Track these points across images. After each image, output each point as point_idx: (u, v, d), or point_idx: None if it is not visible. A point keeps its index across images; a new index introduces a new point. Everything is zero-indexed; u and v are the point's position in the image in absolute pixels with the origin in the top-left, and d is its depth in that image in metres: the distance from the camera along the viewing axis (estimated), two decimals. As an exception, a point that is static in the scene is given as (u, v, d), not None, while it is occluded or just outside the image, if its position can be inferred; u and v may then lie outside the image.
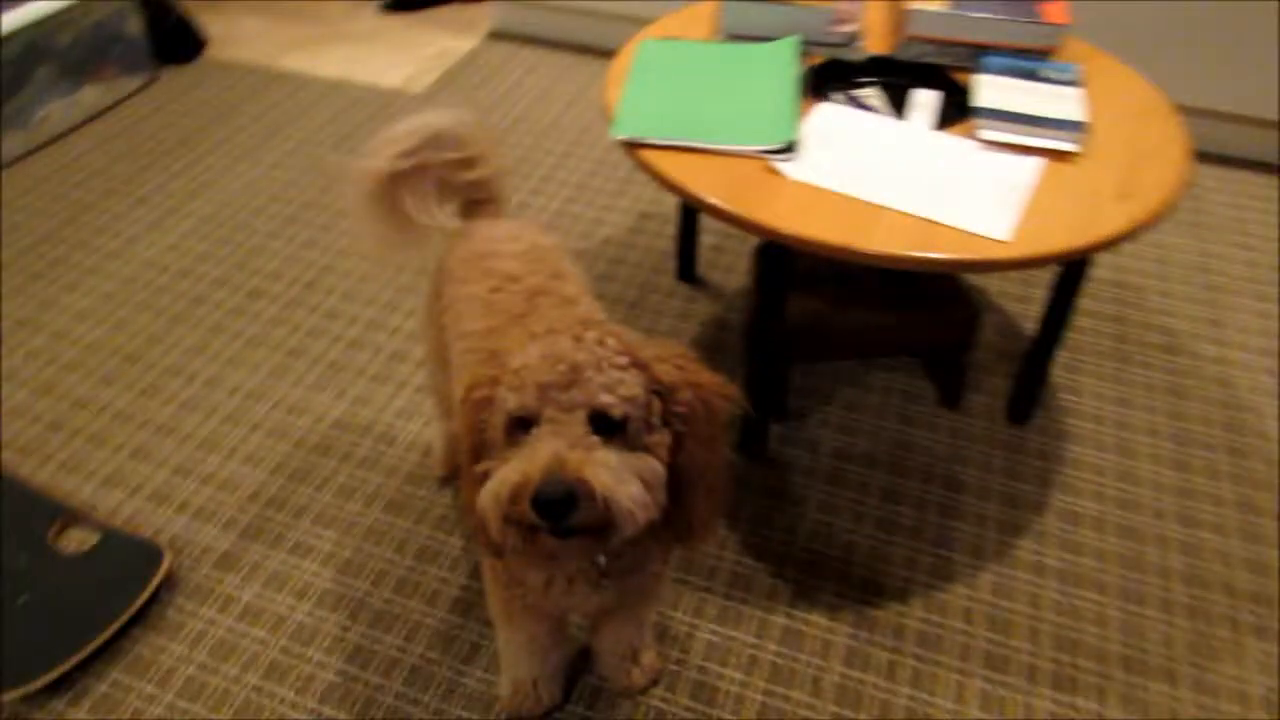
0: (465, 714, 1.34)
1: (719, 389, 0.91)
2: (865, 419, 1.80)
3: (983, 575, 1.54)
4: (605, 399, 0.82)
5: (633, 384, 0.84)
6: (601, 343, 0.85)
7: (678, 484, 0.89)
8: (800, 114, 1.46)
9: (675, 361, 0.89)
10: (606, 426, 0.83)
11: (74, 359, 1.89)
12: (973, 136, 1.43)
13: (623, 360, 0.85)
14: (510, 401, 0.84)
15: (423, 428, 1.76)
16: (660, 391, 0.87)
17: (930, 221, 1.27)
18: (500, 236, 1.28)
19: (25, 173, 2.42)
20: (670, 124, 1.44)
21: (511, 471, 0.81)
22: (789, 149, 1.39)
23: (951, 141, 1.43)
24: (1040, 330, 1.68)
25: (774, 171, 1.37)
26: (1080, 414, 1.83)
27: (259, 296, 2.06)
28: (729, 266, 2.17)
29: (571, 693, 1.37)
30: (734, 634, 1.45)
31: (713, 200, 1.32)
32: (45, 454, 1.70)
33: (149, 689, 1.36)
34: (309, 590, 1.49)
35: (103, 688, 1.37)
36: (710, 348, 1.95)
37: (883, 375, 1.90)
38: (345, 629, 1.44)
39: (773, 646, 1.43)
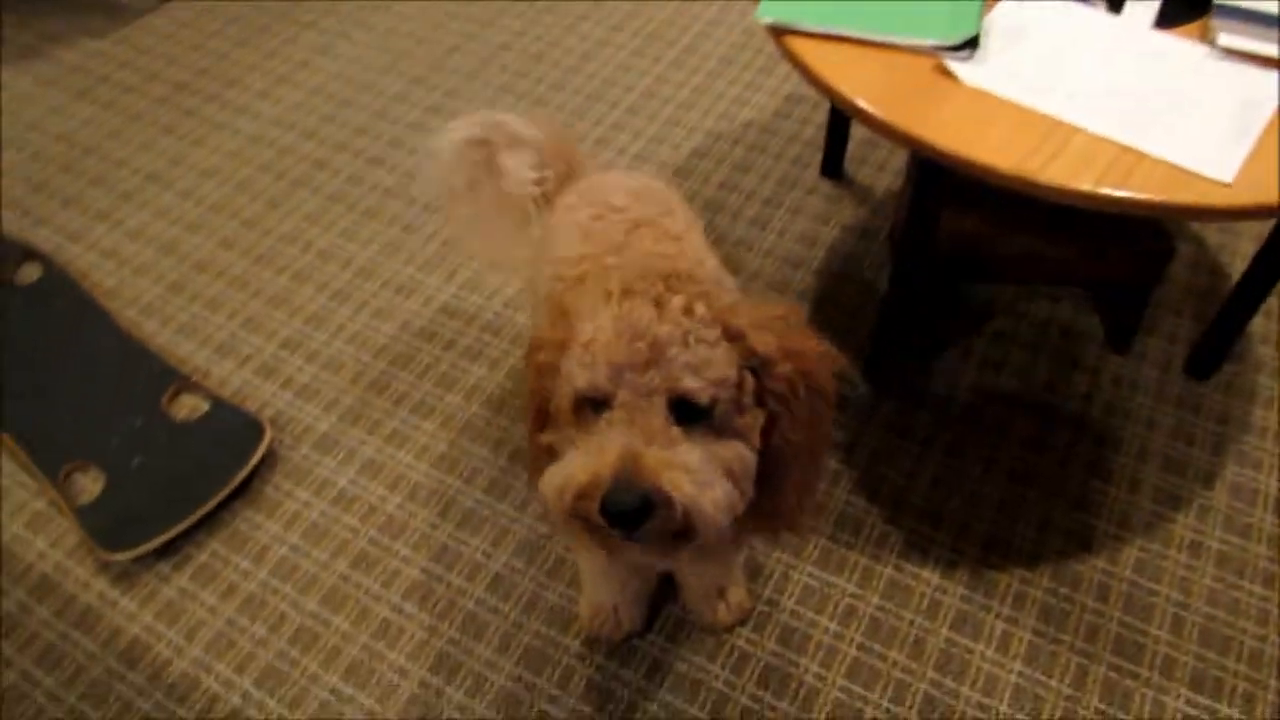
0: (544, 629, 1.30)
1: (824, 361, 0.79)
2: (1015, 353, 1.60)
3: (1126, 549, 1.36)
4: (690, 384, 0.72)
5: (723, 363, 0.74)
6: (688, 311, 0.74)
7: (768, 467, 0.79)
8: (986, 4, 1.22)
9: (776, 327, 0.78)
10: (690, 413, 0.73)
11: (198, 219, 1.89)
12: (1206, 42, 1.15)
13: (712, 333, 0.74)
14: (579, 379, 0.74)
15: (529, 320, 1.68)
16: (754, 367, 0.76)
17: (1132, 150, 1.03)
18: (614, 176, 1.17)
19: (168, 16, 2.39)
20: (827, 8, 1.23)
21: (579, 469, 0.72)
22: (969, 46, 1.16)
23: (1176, 46, 1.16)
24: (1247, 272, 1.42)
25: (946, 73, 1.15)
26: (1276, 373, 1.56)
27: (378, 164, 1.99)
28: (880, 164, 1.94)
29: (654, 621, 1.30)
30: (834, 580, 1.34)
31: (864, 104, 1.12)
32: (165, 315, 1.72)
33: (245, 564, 1.38)
34: (401, 482, 1.46)
35: (203, 557, 1.40)
36: (850, 256, 1.77)
37: (1043, 305, 1.67)
38: (434, 526, 1.41)
39: (875, 599, 1.32)
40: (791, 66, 1.25)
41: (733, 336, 0.76)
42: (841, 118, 1.85)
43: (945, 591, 1.32)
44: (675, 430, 0.72)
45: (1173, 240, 1.48)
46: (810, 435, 0.80)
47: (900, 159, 1.95)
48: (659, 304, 0.75)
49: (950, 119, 1.09)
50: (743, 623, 1.30)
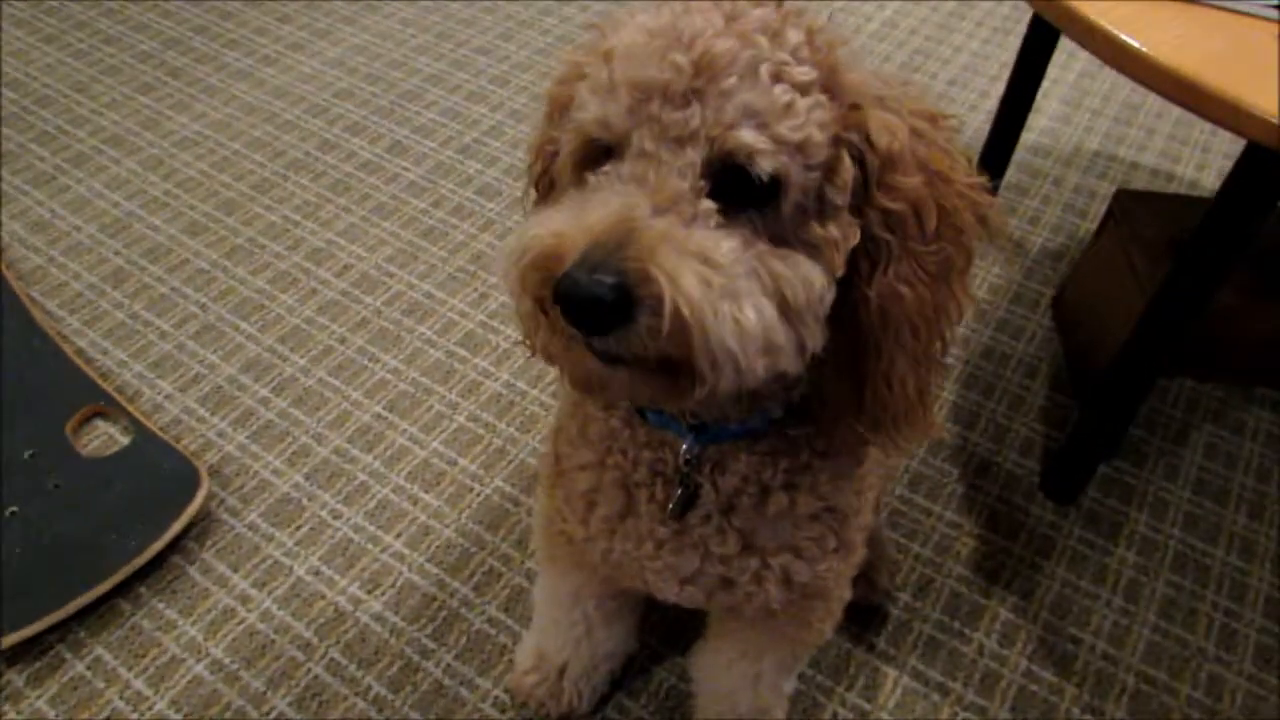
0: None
1: (974, 196, 0.52)
2: (1238, 478, 1.17)
3: None
4: (748, 137, 0.46)
5: (810, 120, 0.48)
6: (774, 32, 0.49)
7: (861, 335, 0.53)
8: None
9: (913, 120, 0.51)
10: (741, 190, 0.48)
11: (161, 196, 1.47)
12: None
13: (806, 73, 0.48)
14: (587, 109, 0.50)
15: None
16: (861, 156, 0.50)
17: None
18: None
19: (170, -32, 2.01)
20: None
21: (543, 227, 0.48)
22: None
23: None
24: None
25: (1307, 40, 0.75)
26: None
27: (402, 153, 1.57)
28: (1032, 215, 1.54)
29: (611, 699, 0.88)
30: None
31: (1197, 76, 0.71)
32: (95, 312, 1.29)
33: (138, 684, 0.93)
34: (385, 580, 1.01)
35: (78, 666, 0.94)
36: (1003, 325, 1.34)
37: (1264, 415, 1.24)
38: (425, 653, 0.95)
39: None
40: (1045, 14, 0.84)
41: (833, 93, 0.49)
42: (997, 156, 1.45)
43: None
44: (706, 205, 0.47)
45: None
46: (934, 293, 0.52)
47: (1058, 212, 1.54)
48: (728, 15, 0.49)
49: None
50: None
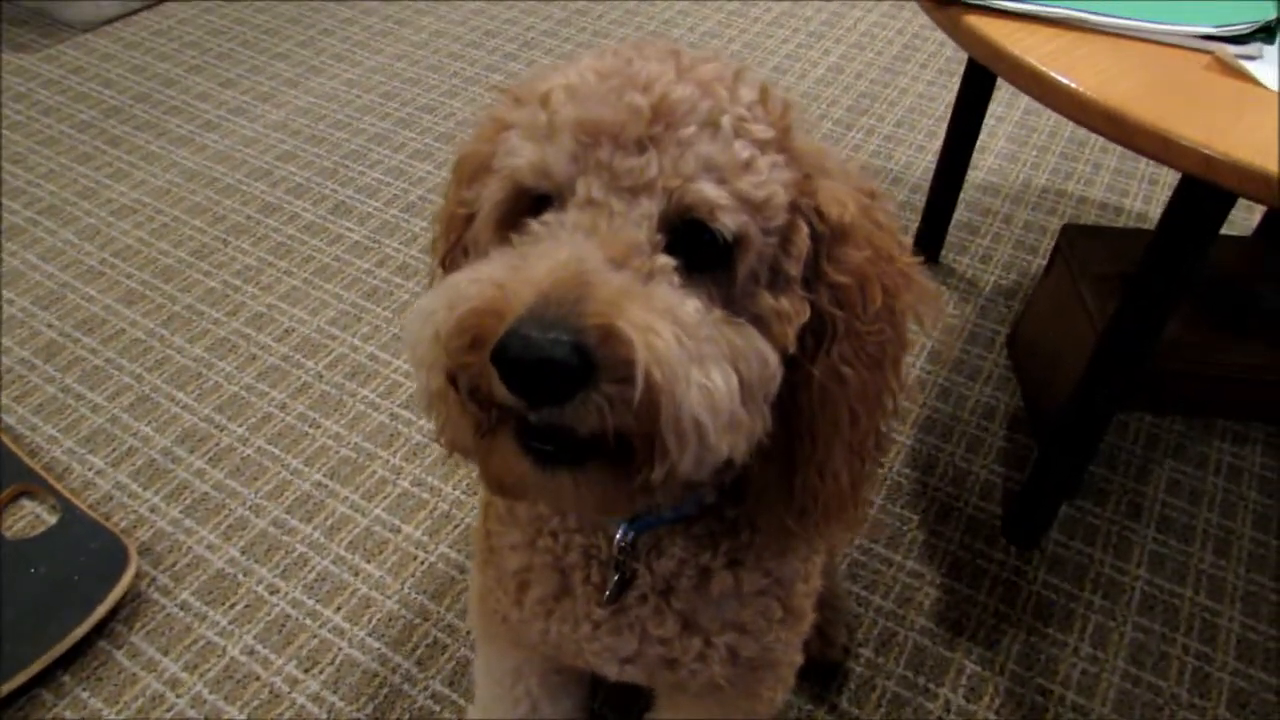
0: None
1: (914, 280, 0.51)
2: (1203, 515, 1.14)
3: None
4: (710, 190, 0.43)
5: (771, 179, 0.45)
6: (728, 83, 0.46)
7: (799, 416, 0.49)
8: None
9: (858, 199, 0.48)
10: (697, 249, 0.43)
11: (97, 265, 1.43)
12: None
13: (765, 131, 0.45)
14: (521, 154, 0.45)
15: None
16: (814, 229, 0.47)
17: None
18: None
19: (114, 36, 1.99)
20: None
21: (473, 282, 0.41)
22: (1261, 37, 0.75)
23: None
24: None
25: (1230, 72, 0.74)
26: None
27: (346, 214, 1.55)
28: (983, 254, 1.53)
29: None
30: None
31: (1124, 109, 0.70)
32: (25, 388, 1.24)
33: (61, 780, 0.87)
34: (324, 658, 0.96)
35: (-7, 766, 0.88)
36: (958, 366, 1.33)
37: (1225, 446, 1.23)
38: (364, 736, 0.90)
39: None
40: (972, 53, 0.84)
41: (789, 155, 0.46)
42: (945, 194, 1.45)
43: None
44: (665, 260, 0.42)
45: None
46: (873, 379, 0.49)
47: (1008, 249, 1.54)
48: (682, 61, 0.46)
49: (1261, 135, 0.68)
50: None
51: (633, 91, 0.43)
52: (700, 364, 0.40)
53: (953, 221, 1.54)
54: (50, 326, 1.33)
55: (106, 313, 1.35)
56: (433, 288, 0.48)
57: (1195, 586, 1.06)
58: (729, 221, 0.43)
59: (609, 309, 0.38)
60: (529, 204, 0.46)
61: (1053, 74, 0.76)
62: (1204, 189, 0.74)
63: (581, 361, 0.37)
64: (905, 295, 0.50)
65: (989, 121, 1.82)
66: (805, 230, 0.46)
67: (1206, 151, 0.67)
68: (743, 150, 0.44)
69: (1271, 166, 0.64)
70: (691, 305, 0.42)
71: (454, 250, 0.54)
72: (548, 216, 0.44)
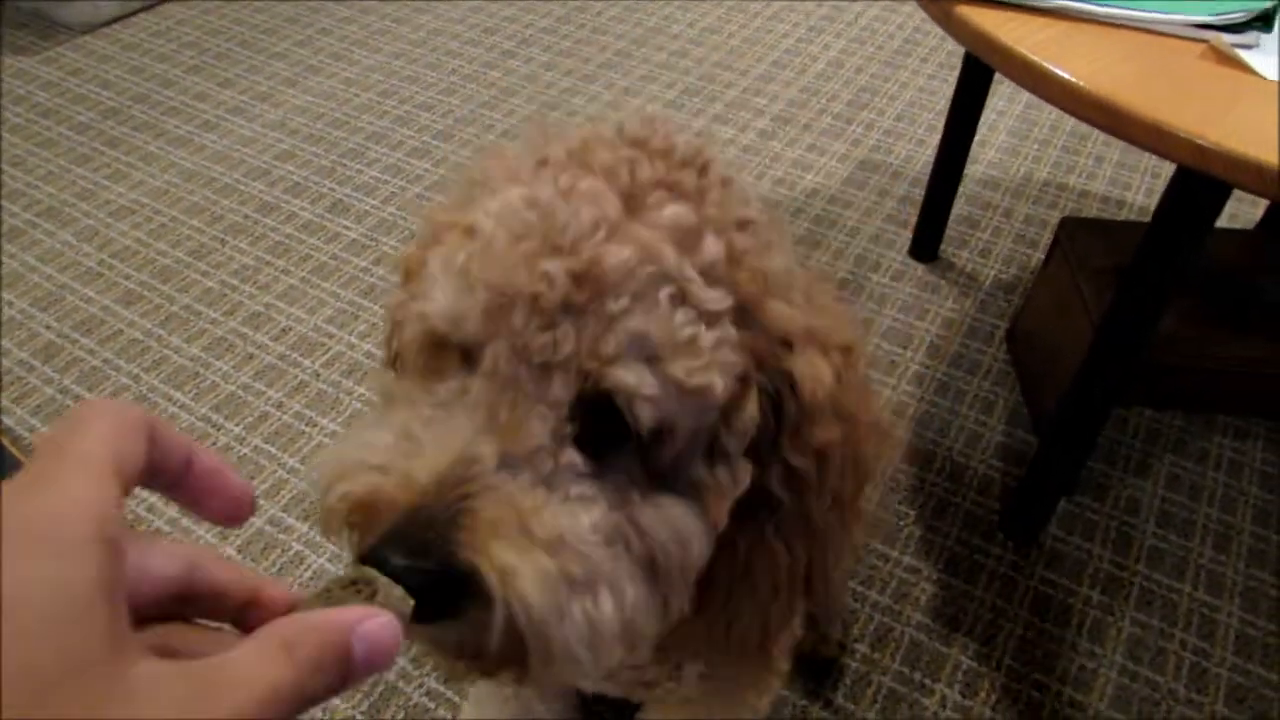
0: None
1: (881, 424, 0.48)
2: (1203, 510, 1.14)
3: None
4: (631, 377, 0.38)
5: (712, 361, 0.39)
6: (685, 242, 0.39)
7: (718, 570, 0.45)
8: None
9: (836, 364, 0.44)
10: (616, 430, 0.39)
11: (96, 267, 1.43)
12: None
13: (718, 299, 0.40)
14: (432, 297, 0.41)
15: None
16: (777, 399, 0.42)
17: None
18: None
19: (112, 38, 1.99)
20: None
21: (366, 454, 0.38)
22: (1259, 26, 0.74)
23: None
24: None
25: (1226, 61, 0.73)
26: None
27: (343, 212, 1.55)
28: (983, 247, 1.52)
29: None
30: None
31: (1118, 100, 0.69)
32: (23, 389, 1.24)
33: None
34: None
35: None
36: (957, 360, 1.32)
37: (1226, 442, 1.22)
38: (359, 735, 0.90)
39: None
40: (965, 44, 0.83)
41: (762, 329, 0.41)
42: (943, 188, 1.44)
43: None
44: (570, 457, 0.38)
45: None
46: (810, 553, 0.46)
47: (1009, 243, 1.53)
48: (630, 199, 0.40)
49: (1254, 124, 0.67)
50: None
51: (554, 252, 0.38)
52: (587, 591, 0.37)
53: (953, 216, 1.53)
54: (49, 328, 1.33)
55: (105, 313, 1.35)
56: (346, 434, 0.44)
57: (1194, 582, 1.05)
58: (647, 414, 0.38)
59: (480, 541, 0.35)
60: (451, 346, 0.42)
61: (1045, 64, 0.75)
62: (1198, 179, 0.73)
63: (445, 589, 0.34)
64: (870, 448, 0.47)
65: (990, 116, 1.81)
66: (753, 410, 0.42)
67: (1199, 141, 0.66)
68: (684, 326, 0.38)
69: (1265, 156, 0.63)
70: (588, 520, 0.38)
71: (393, 359, 0.51)
72: (451, 384, 0.40)
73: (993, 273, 1.48)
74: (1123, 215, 1.61)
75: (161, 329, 1.33)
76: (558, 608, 0.36)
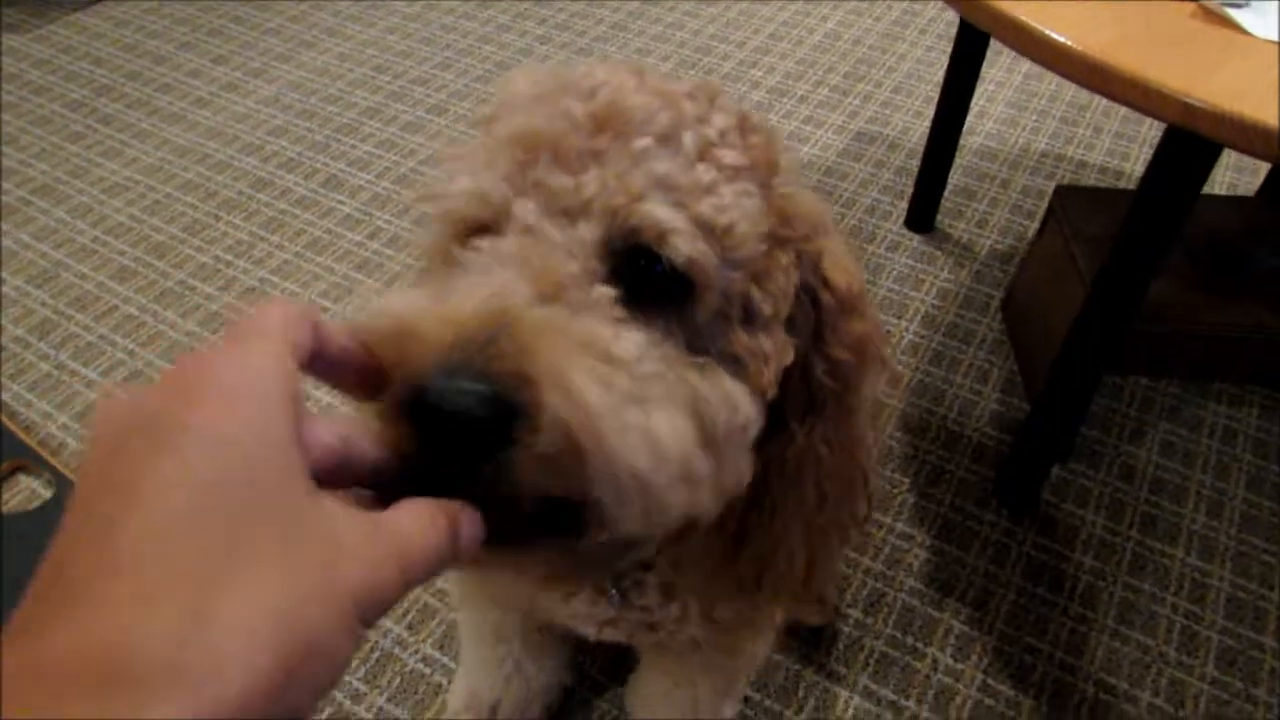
0: None
1: (890, 361, 0.47)
2: (1196, 477, 1.14)
3: None
4: (660, 212, 0.37)
5: (736, 205, 0.39)
6: (699, 100, 0.41)
7: (763, 484, 0.44)
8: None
9: (858, 274, 0.45)
10: (648, 281, 0.38)
11: (90, 243, 1.43)
12: None
13: (738, 159, 0.40)
14: (458, 182, 0.40)
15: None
16: (814, 293, 0.43)
17: None
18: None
19: (105, 15, 1.98)
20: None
21: (396, 306, 0.35)
22: (1245, -18, 0.74)
23: None
24: None
25: (1215, 20, 0.73)
26: None
27: (336, 186, 1.54)
28: (980, 218, 1.52)
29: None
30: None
31: (1105, 59, 0.69)
32: (20, 364, 1.24)
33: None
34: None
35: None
36: (952, 330, 1.32)
37: (1220, 409, 1.22)
38: (358, 697, 0.91)
39: None
40: (954, 7, 0.83)
41: (782, 203, 0.41)
42: (939, 159, 1.43)
43: (1148, 847, 0.83)
44: (602, 291, 0.37)
45: None
46: (849, 461, 0.46)
47: (1005, 213, 1.53)
48: (645, 79, 0.41)
49: (1242, 82, 0.66)
50: None
51: (581, 100, 0.38)
52: (639, 406, 0.34)
53: (950, 187, 1.53)
54: (44, 304, 1.33)
55: (99, 290, 1.35)
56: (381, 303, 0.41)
57: (1186, 547, 1.06)
58: (681, 247, 0.37)
59: (524, 350, 0.32)
60: (469, 230, 0.41)
61: (1035, 25, 0.75)
62: (1186, 139, 0.73)
63: (495, 412, 0.31)
64: (881, 364, 0.47)
65: (989, 87, 1.80)
66: (789, 275, 0.42)
67: (1186, 100, 0.66)
68: (706, 173, 0.39)
69: (1252, 113, 0.63)
70: (631, 339, 0.36)
71: None
72: (480, 243, 0.38)
73: (989, 243, 1.48)
74: (1121, 185, 1.61)
75: (156, 304, 1.33)
76: (615, 414, 0.33)
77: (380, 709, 0.90)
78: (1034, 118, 1.75)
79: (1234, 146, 0.66)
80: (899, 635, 0.96)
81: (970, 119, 1.69)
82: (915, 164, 1.50)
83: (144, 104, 1.73)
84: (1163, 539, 1.06)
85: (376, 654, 0.94)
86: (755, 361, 0.41)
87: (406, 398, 0.32)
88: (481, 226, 0.40)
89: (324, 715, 0.90)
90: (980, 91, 1.77)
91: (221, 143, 1.64)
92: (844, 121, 1.72)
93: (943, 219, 1.51)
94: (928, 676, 0.93)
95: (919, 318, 1.34)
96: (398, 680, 0.92)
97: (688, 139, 0.39)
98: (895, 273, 1.41)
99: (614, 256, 0.38)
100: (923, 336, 1.31)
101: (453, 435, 0.31)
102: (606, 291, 0.37)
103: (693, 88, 0.42)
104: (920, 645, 0.96)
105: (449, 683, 0.91)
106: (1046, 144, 1.69)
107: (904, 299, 1.37)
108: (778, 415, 0.44)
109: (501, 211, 0.39)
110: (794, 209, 0.42)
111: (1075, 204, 1.22)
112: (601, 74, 0.40)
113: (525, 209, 0.38)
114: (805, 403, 0.44)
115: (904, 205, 1.52)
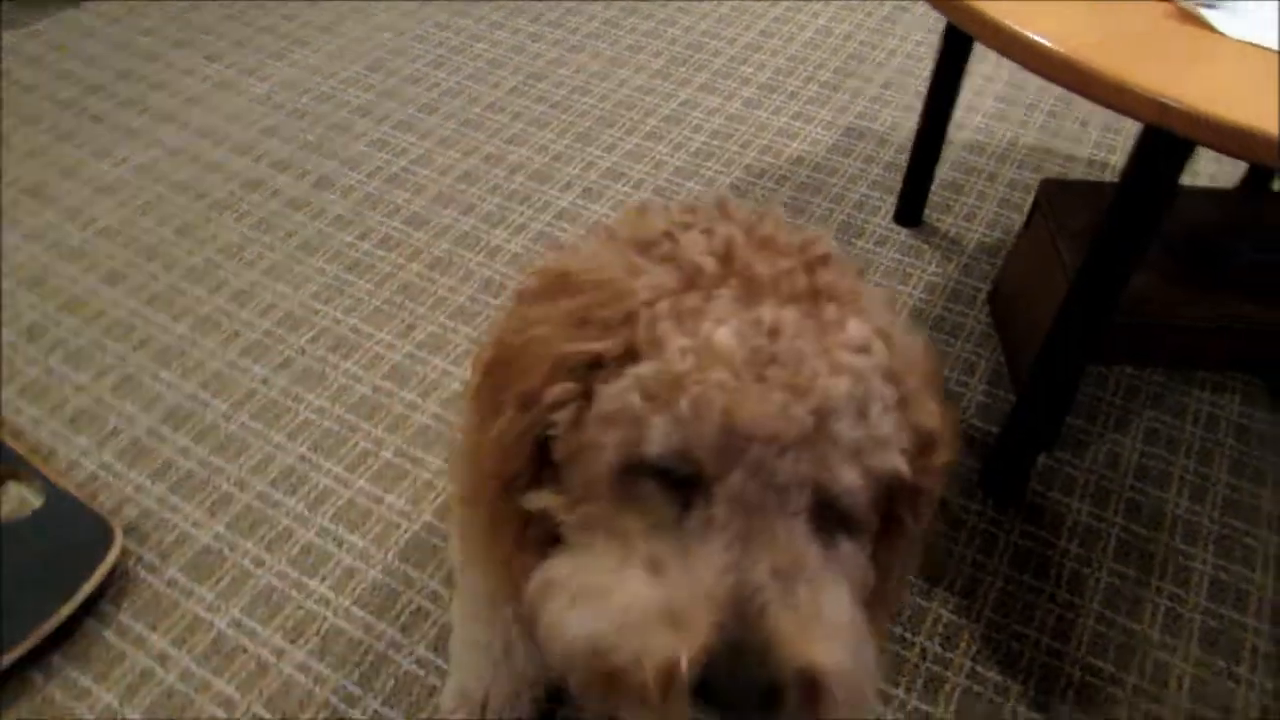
0: None
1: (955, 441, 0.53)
2: (1180, 463, 1.15)
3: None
4: (849, 477, 0.44)
5: (895, 446, 0.46)
6: (862, 347, 0.46)
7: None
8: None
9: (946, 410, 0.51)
10: (831, 522, 0.45)
11: (80, 245, 1.43)
12: None
13: (890, 392, 0.46)
14: (658, 437, 0.43)
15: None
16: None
17: None
18: None
19: (96, 11, 1.98)
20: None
21: (643, 613, 0.41)
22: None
23: None
24: None
25: (1189, 20, 0.74)
26: None
27: (327, 187, 1.55)
28: (969, 212, 1.53)
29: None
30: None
31: (1083, 59, 0.70)
32: (10, 370, 1.25)
33: (53, 750, 0.89)
34: (310, 628, 0.98)
35: (-10, 737, 0.90)
36: (940, 323, 1.33)
37: (1204, 396, 1.24)
38: (353, 700, 0.92)
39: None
40: (936, 7, 0.83)
41: (910, 410, 0.47)
42: (926, 154, 1.44)
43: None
44: (814, 552, 0.44)
45: None
46: (911, 551, 0.54)
47: (993, 207, 1.54)
48: (807, 312, 0.46)
49: (1216, 82, 0.67)
50: None
51: (794, 399, 0.43)
52: (859, 659, 0.43)
53: (938, 181, 1.54)
54: (33, 308, 1.33)
55: (89, 294, 1.36)
56: (587, 580, 0.45)
57: (1170, 532, 1.07)
58: (862, 500, 0.45)
59: (792, 645, 0.41)
60: (651, 471, 0.45)
61: (1014, 26, 0.76)
62: (1161, 137, 0.74)
63: (774, 694, 0.40)
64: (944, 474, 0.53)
65: (978, 81, 1.81)
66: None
67: (1161, 99, 0.67)
68: (882, 424, 0.45)
69: (1223, 112, 0.64)
70: (845, 602, 0.45)
71: (514, 458, 0.50)
72: (696, 515, 0.44)
73: (976, 236, 1.49)
74: (1107, 178, 1.62)
75: (147, 307, 1.34)
76: (858, 670, 0.43)
77: (375, 712, 0.91)
78: (1022, 111, 1.76)
79: (1208, 145, 0.67)
80: (888, 626, 0.98)
81: (959, 113, 1.70)
82: (904, 159, 1.51)
83: (135, 103, 1.73)
84: (1147, 524, 1.08)
85: (371, 657, 0.95)
86: (865, 533, 0.49)
87: (706, 685, 0.40)
88: (663, 472, 0.44)
89: (319, 718, 0.91)
90: (969, 86, 1.78)
91: (213, 142, 1.64)
92: (833, 117, 1.73)
93: (931, 213, 1.52)
94: (917, 665, 0.95)
95: (907, 311, 1.35)
96: (392, 683, 0.93)
97: (875, 411, 0.45)
98: (883, 267, 1.42)
99: (812, 513, 0.45)
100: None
101: (744, 706, 0.40)
102: (817, 552, 0.44)
103: (863, 332, 0.46)
104: (909, 635, 0.97)
105: (443, 683, 0.92)
106: (1034, 138, 1.70)
107: (892, 293, 1.38)
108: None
109: (706, 473, 0.43)
110: (924, 418, 0.48)
111: (1060, 198, 1.23)
112: (800, 347, 0.44)
113: (741, 481, 0.43)
114: (891, 530, 0.51)
115: (893, 200, 1.53)
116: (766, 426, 0.42)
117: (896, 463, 0.46)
